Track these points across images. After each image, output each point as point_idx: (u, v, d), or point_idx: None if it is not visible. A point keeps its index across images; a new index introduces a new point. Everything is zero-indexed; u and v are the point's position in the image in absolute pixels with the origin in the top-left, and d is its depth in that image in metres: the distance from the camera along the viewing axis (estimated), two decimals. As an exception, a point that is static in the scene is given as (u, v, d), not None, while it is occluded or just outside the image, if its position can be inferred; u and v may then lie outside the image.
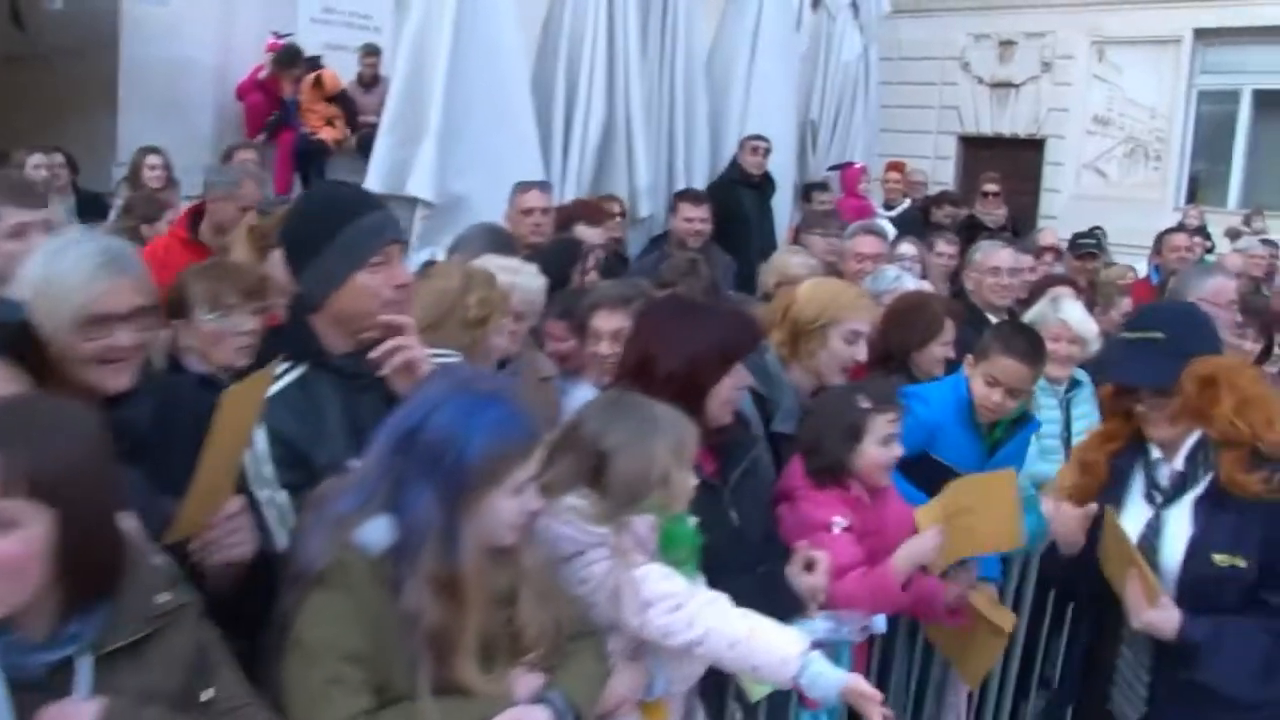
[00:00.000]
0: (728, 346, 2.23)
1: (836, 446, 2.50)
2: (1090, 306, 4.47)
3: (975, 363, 3.05)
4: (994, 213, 8.21)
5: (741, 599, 1.94)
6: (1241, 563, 2.10)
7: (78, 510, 1.34)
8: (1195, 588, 2.15)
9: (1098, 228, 8.52)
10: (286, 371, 1.94)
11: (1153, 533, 2.24)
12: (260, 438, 1.86)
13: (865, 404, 2.52)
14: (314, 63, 8.63)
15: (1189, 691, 2.11)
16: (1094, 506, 2.27)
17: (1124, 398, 2.29)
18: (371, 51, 8.83)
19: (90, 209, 6.53)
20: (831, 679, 1.83)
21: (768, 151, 6.59)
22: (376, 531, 1.58)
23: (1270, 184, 12.53)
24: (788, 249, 4.90)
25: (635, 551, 1.85)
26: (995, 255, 4.36)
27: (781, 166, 7.02)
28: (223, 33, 8.62)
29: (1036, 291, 4.43)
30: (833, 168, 8.19)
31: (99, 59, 8.08)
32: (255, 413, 1.74)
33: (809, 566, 2.24)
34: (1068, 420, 3.78)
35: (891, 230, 7.01)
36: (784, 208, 7.10)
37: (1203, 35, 12.88)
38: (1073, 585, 2.49)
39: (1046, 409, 3.65)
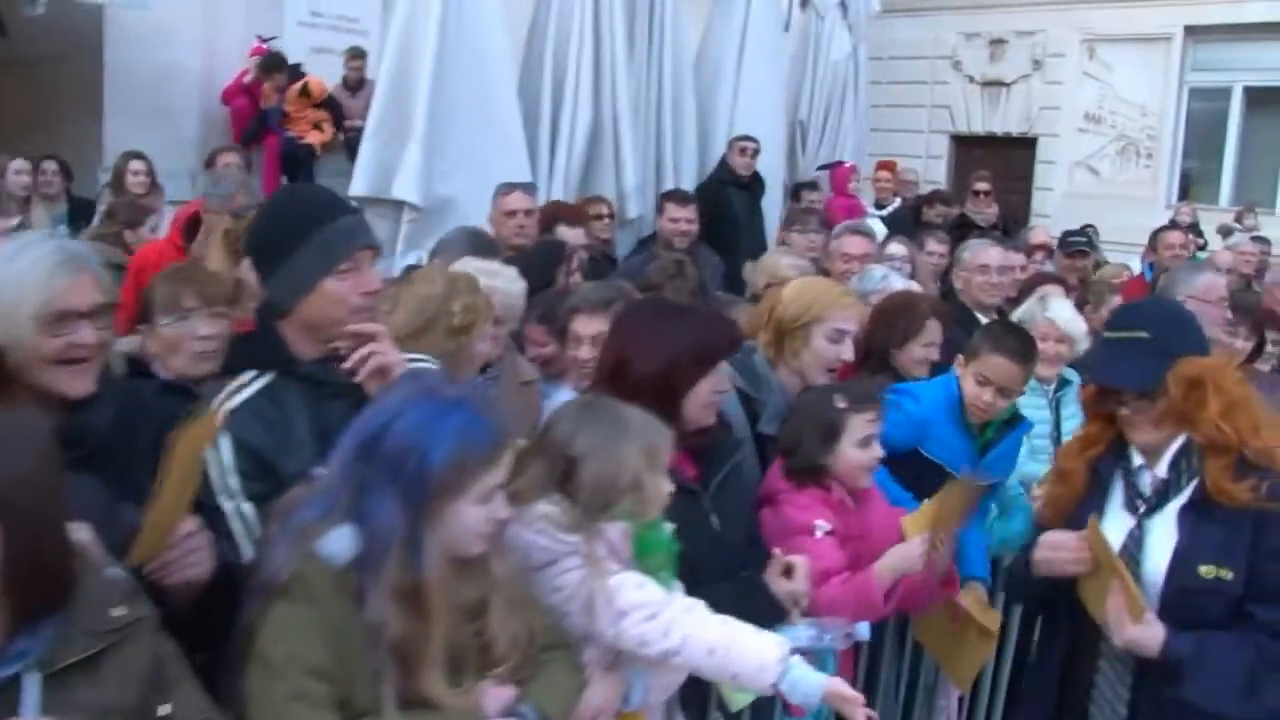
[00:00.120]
0: (703, 349, 2.18)
1: (813, 447, 2.47)
2: (1080, 305, 4.44)
3: (966, 362, 3.02)
4: (985, 211, 8.18)
5: (722, 605, 1.91)
6: (1228, 574, 2.00)
7: (24, 524, 1.30)
8: (1179, 600, 2.05)
9: (1089, 225, 8.52)
10: (253, 380, 1.90)
11: (1135, 543, 2.13)
12: (225, 448, 1.83)
13: (842, 404, 2.48)
14: (296, 70, 8.57)
15: (1171, 708, 2.02)
16: (1079, 533, 2.14)
17: (1106, 400, 2.18)
18: (357, 55, 8.80)
19: (83, 215, 6.51)
20: (812, 683, 1.81)
21: (756, 152, 6.58)
22: (340, 542, 1.54)
23: (1262, 181, 12.55)
24: (777, 250, 4.87)
25: (608, 559, 1.82)
26: (984, 253, 4.32)
27: (771, 166, 7.01)
28: (207, 37, 8.59)
29: (1026, 290, 4.40)
30: (822, 167, 8.18)
31: (83, 64, 8.06)
32: (206, 444, 1.73)
33: (787, 572, 2.21)
34: (1057, 420, 3.75)
35: (882, 229, 7.02)
36: (774, 208, 7.09)
37: (1193, 32, 12.89)
38: (1043, 596, 2.33)
39: (1035, 409, 3.62)
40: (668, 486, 1.91)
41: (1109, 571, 2.07)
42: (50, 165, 6.84)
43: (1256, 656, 1.97)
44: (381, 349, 1.91)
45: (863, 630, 2.29)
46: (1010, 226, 8.65)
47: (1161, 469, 2.14)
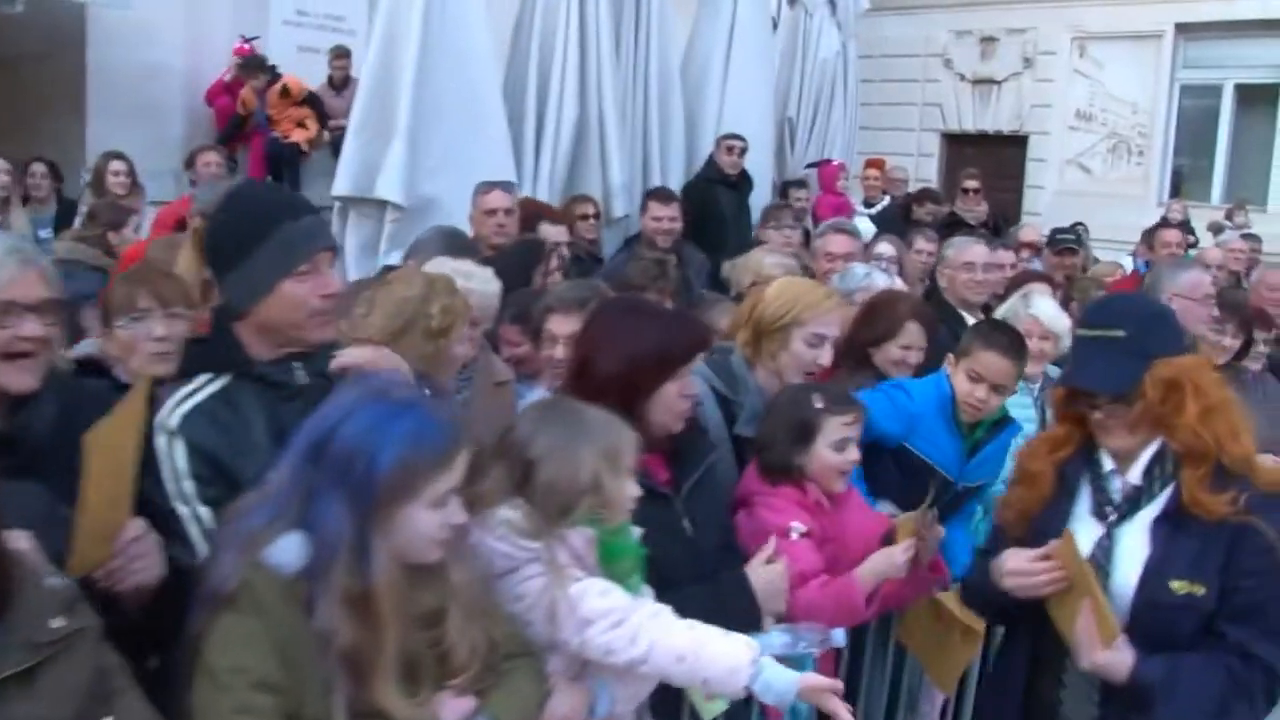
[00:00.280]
0: (666, 349, 2.13)
1: (787, 446, 2.43)
2: (1065, 302, 4.41)
3: (957, 360, 3.00)
4: (975, 209, 8.15)
5: (694, 611, 1.87)
6: (1200, 590, 1.90)
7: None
8: (1148, 615, 1.94)
9: (1079, 223, 8.50)
10: (208, 383, 1.86)
11: (1103, 553, 2.01)
12: (180, 453, 1.79)
13: (820, 404, 2.44)
14: (272, 71, 8.51)
15: None
16: (1054, 544, 2.01)
17: (1078, 401, 2.05)
18: (342, 54, 8.74)
19: (73, 217, 6.44)
20: (786, 682, 1.78)
21: (743, 150, 6.55)
22: (288, 550, 1.50)
23: (1253, 178, 12.54)
24: (762, 247, 4.82)
25: (572, 566, 1.77)
26: (968, 251, 4.29)
27: (759, 165, 6.98)
28: (191, 36, 8.54)
29: (1012, 288, 4.37)
30: (811, 165, 8.15)
31: (65, 63, 8.01)
32: (136, 437, 1.68)
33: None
34: (1043, 418, 3.72)
35: (871, 228, 6.99)
36: (762, 206, 7.04)
37: (1184, 29, 12.89)
38: (1003, 607, 2.19)
39: (1021, 407, 3.58)
40: (633, 490, 1.86)
41: (1081, 590, 1.97)
42: (39, 168, 6.76)
43: (1228, 680, 1.89)
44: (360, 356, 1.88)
45: (838, 637, 2.23)
46: (1001, 225, 8.63)
47: (1135, 475, 2.03)
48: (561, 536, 1.78)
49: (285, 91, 8.39)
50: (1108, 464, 2.08)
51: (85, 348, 2.52)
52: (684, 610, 1.86)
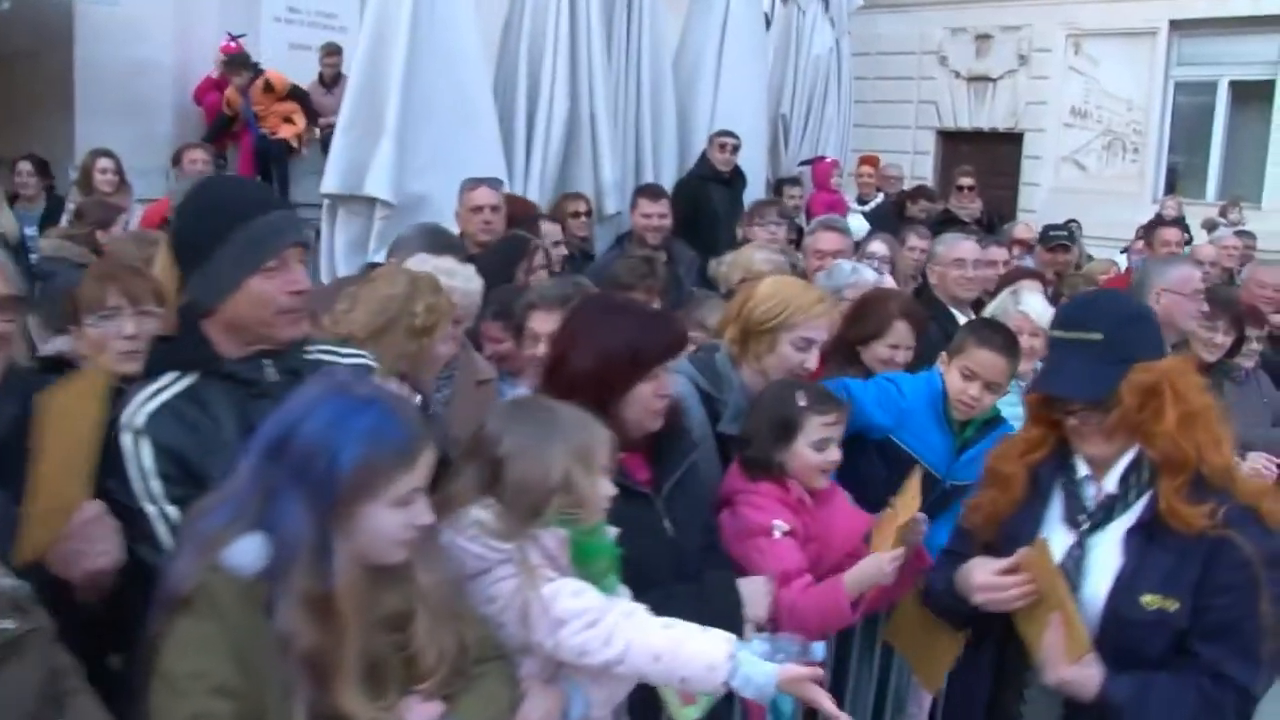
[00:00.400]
0: (640, 348, 2.08)
1: (768, 442, 2.40)
2: (1056, 299, 4.38)
3: (950, 358, 2.97)
4: (969, 206, 8.13)
5: (673, 612, 1.83)
6: (1172, 606, 1.81)
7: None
8: (1117, 630, 1.85)
9: (1073, 220, 8.48)
10: (174, 381, 1.82)
11: (1074, 563, 1.91)
12: (146, 453, 1.75)
13: (803, 402, 2.41)
14: (256, 69, 8.44)
15: None
16: (1024, 552, 1.92)
17: (1052, 407, 1.95)
18: (332, 51, 8.67)
19: (60, 215, 6.40)
20: (765, 674, 1.75)
21: (736, 148, 6.51)
22: (247, 551, 1.46)
23: (1248, 175, 12.51)
24: (752, 244, 4.79)
25: (544, 567, 1.73)
26: (958, 247, 4.26)
27: (753, 162, 6.95)
28: (180, 33, 8.49)
29: (1003, 285, 4.34)
30: (804, 162, 8.12)
31: (53, 60, 7.96)
32: (95, 415, 1.63)
33: None
34: (1033, 416, 3.69)
35: (864, 225, 6.96)
36: (751, 203, 7.02)
37: (1179, 26, 12.87)
38: (965, 614, 2.09)
39: (1010, 405, 3.55)
40: (607, 489, 1.82)
41: (1052, 603, 1.89)
42: (25, 166, 6.71)
43: (1199, 701, 1.80)
44: None
45: (818, 650, 2.17)
46: (995, 222, 8.62)
47: (1110, 483, 1.94)
48: (534, 537, 1.75)
49: (269, 86, 8.32)
50: (1082, 470, 1.98)
51: (57, 345, 2.48)
52: (668, 610, 1.83)
